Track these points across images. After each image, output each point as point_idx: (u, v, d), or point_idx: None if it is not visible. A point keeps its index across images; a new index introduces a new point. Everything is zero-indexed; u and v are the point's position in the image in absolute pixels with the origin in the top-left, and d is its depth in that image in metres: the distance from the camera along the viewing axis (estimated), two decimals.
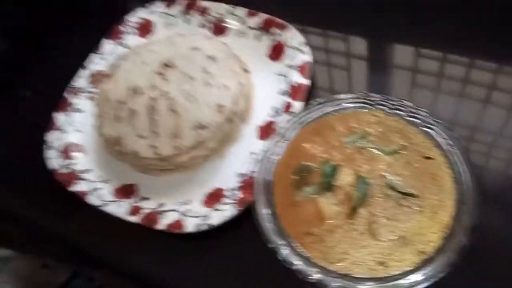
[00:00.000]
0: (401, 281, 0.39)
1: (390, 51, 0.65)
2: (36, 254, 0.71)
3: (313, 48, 0.62)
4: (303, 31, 0.64)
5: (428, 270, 0.39)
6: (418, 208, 0.43)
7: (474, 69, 0.59)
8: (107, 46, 0.69)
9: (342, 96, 0.50)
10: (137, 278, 0.57)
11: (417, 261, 0.41)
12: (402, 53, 0.64)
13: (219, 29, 0.68)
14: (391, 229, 0.42)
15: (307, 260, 0.42)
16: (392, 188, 0.44)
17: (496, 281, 0.45)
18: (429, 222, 0.42)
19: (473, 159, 0.44)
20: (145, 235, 0.54)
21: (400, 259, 0.41)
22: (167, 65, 0.58)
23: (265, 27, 0.65)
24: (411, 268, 0.40)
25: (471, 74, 0.59)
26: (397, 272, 0.40)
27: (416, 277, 0.39)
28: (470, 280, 0.43)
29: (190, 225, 0.52)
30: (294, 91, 0.59)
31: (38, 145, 0.63)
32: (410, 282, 0.39)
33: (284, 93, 0.59)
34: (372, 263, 0.41)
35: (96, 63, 0.68)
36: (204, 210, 0.53)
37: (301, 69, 0.60)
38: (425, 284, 0.39)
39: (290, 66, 0.61)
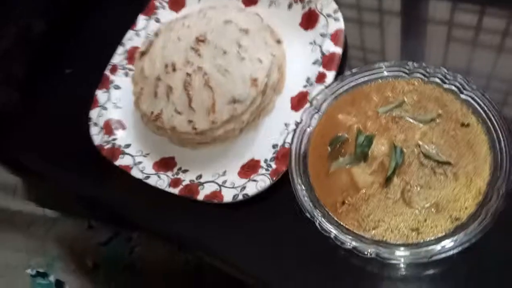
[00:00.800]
0: (434, 246, 0.40)
1: (424, 8, 0.63)
2: (83, 215, 0.76)
3: (345, 12, 0.61)
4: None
5: (461, 235, 0.40)
6: (453, 176, 0.43)
7: None
8: (142, 22, 0.70)
9: (376, 65, 0.50)
10: (177, 242, 0.60)
11: (451, 227, 0.41)
12: (437, 11, 0.62)
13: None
14: (425, 196, 0.43)
15: (342, 228, 0.43)
16: (427, 156, 0.45)
17: None
18: (464, 189, 0.43)
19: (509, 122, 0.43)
20: (184, 203, 0.57)
21: (433, 225, 0.42)
22: (200, 40, 0.59)
23: None
24: (444, 234, 0.41)
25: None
26: (430, 238, 0.41)
27: (449, 242, 0.40)
28: (503, 245, 0.44)
29: (227, 195, 0.54)
30: (326, 61, 0.58)
31: (81, 122, 0.67)
32: (443, 247, 0.40)
33: (316, 62, 0.59)
34: (406, 229, 0.42)
35: (132, 39, 0.70)
36: (240, 180, 0.55)
37: (334, 37, 0.59)
38: (458, 249, 0.39)
39: (323, 35, 0.60)
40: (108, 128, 0.64)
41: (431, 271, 0.45)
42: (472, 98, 0.45)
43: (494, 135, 0.43)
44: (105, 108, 0.66)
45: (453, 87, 0.47)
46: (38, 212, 0.70)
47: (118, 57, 0.69)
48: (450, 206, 0.42)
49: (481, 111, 0.45)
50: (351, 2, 0.67)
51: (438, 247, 0.40)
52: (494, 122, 0.44)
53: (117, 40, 0.71)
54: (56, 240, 0.73)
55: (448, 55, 0.58)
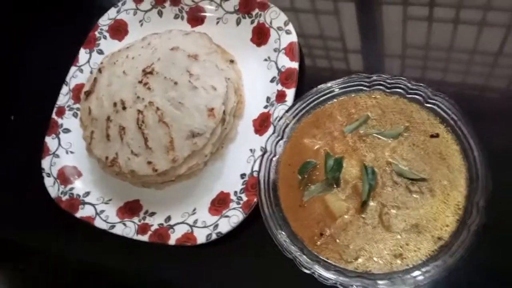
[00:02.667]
0: (419, 272, 0.38)
1: (379, 15, 0.61)
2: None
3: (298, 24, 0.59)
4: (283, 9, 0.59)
5: (446, 256, 0.38)
6: (429, 192, 0.42)
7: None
8: (84, 55, 0.66)
9: (336, 81, 0.47)
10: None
11: (435, 248, 0.40)
12: (391, 16, 0.60)
13: (195, 18, 0.64)
14: (403, 218, 0.41)
15: (323, 263, 0.41)
16: (400, 174, 0.43)
17: None
18: (442, 205, 0.41)
19: (479, 130, 0.42)
20: (152, 248, 0.54)
21: (416, 248, 0.40)
22: (148, 72, 0.55)
23: (244, 9, 0.61)
24: (429, 256, 0.39)
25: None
26: (415, 263, 0.39)
27: (436, 265, 0.38)
28: (488, 259, 0.43)
29: (200, 236, 0.51)
30: (284, 77, 0.56)
31: (31, 170, 0.62)
32: (429, 272, 0.38)
33: (274, 80, 0.57)
34: (389, 256, 0.40)
35: (76, 76, 0.65)
36: (212, 218, 0.52)
37: (288, 51, 0.57)
38: (446, 272, 0.38)
39: (276, 50, 0.58)
40: (63, 178, 0.60)
41: None
42: (438, 106, 0.44)
43: (465, 143, 0.42)
44: (57, 156, 0.61)
45: (417, 96, 0.45)
46: None
47: (64, 98, 0.64)
48: (430, 226, 0.40)
49: (448, 119, 0.43)
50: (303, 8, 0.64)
51: (425, 272, 0.38)
52: (464, 129, 0.42)
53: (59, 78, 0.66)
54: None
55: (407, 62, 0.56)
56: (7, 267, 0.61)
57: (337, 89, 0.47)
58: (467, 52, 0.54)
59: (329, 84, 0.48)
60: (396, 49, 0.56)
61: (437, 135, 0.43)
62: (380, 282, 0.39)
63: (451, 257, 0.38)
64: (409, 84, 0.45)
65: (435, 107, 0.44)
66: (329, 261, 0.41)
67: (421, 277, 0.38)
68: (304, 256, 0.41)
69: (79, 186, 0.59)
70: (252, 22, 0.60)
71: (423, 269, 0.38)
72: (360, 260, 0.41)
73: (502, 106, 0.50)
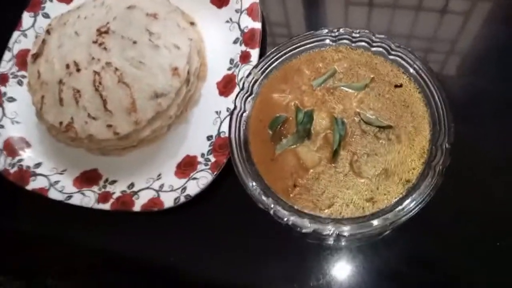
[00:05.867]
0: (391, 213, 0.40)
1: None
2: None
3: None
4: None
5: (414, 197, 0.40)
6: (395, 138, 0.43)
7: None
8: (29, 20, 0.60)
9: (300, 37, 0.47)
10: (120, 262, 0.54)
11: (403, 191, 0.41)
12: None
13: None
14: (373, 164, 0.42)
15: (298, 212, 0.41)
16: (368, 123, 0.44)
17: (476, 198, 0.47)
18: (408, 150, 0.42)
19: (440, 78, 0.44)
20: (118, 216, 0.51)
21: (386, 191, 0.41)
22: (103, 32, 0.52)
23: None
24: (398, 198, 0.41)
25: None
26: (385, 206, 0.41)
27: (404, 206, 0.40)
28: (452, 200, 0.45)
29: (168, 200, 0.49)
30: (247, 38, 0.55)
31: None
32: (399, 213, 0.40)
33: (237, 41, 0.56)
34: (361, 201, 0.41)
35: (20, 41, 0.60)
36: (179, 181, 0.50)
37: (250, 12, 0.56)
38: (415, 211, 0.39)
39: (238, 11, 0.57)
40: (10, 149, 0.55)
41: (389, 237, 0.45)
42: (401, 58, 0.45)
43: (427, 91, 0.44)
44: (1, 126, 0.56)
45: (381, 49, 0.46)
46: None
47: (6, 64, 0.59)
48: (398, 170, 0.42)
49: (410, 69, 0.45)
50: None
51: (395, 213, 0.39)
52: (425, 77, 0.44)
53: (1, 45, 0.60)
54: None
55: (370, 16, 0.58)
56: None
57: (304, 44, 0.47)
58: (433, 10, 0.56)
59: (295, 39, 0.47)
60: (360, 10, 0.58)
61: (400, 85, 0.45)
62: (353, 225, 0.40)
63: (419, 196, 0.40)
64: (373, 37, 0.46)
65: (398, 58, 0.45)
66: (303, 210, 0.41)
67: (393, 218, 0.39)
68: (279, 207, 0.41)
69: (28, 157, 0.55)
70: None
71: (393, 211, 0.40)
72: (334, 207, 0.41)
73: (457, 53, 0.53)
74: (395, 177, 0.42)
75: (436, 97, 0.43)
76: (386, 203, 0.41)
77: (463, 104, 0.49)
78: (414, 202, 0.39)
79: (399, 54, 0.45)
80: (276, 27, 0.60)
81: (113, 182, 0.52)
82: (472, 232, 0.46)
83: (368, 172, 0.42)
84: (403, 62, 0.45)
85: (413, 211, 0.39)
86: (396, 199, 0.41)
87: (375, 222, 0.39)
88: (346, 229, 0.39)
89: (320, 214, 0.41)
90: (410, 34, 0.56)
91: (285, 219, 0.40)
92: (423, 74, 0.44)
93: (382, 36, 0.46)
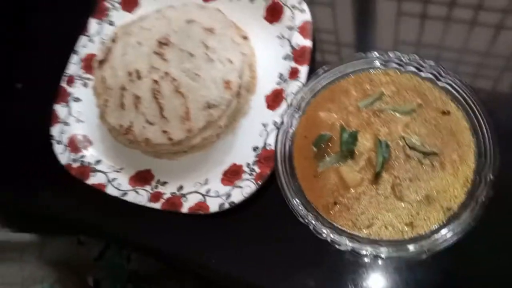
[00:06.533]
0: (430, 240, 0.41)
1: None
2: (70, 233, 0.71)
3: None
4: None
5: (454, 225, 0.41)
6: (439, 166, 0.44)
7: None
8: (95, 26, 0.65)
9: (351, 58, 0.49)
10: (166, 257, 0.58)
11: (443, 218, 0.42)
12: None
13: None
14: (415, 189, 0.43)
15: (337, 229, 0.43)
16: (412, 148, 0.45)
17: None
18: (452, 178, 0.43)
19: (489, 106, 0.44)
20: (168, 216, 0.55)
21: (426, 217, 0.42)
22: (164, 43, 0.56)
23: None
24: (438, 225, 0.42)
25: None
26: (425, 232, 0.41)
27: (444, 233, 0.41)
28: (495, 231, 0.45)
29: (213, 205, 0.52)
30: (297, 55, 0.57)
31: (42, 140, 0.62)
32: (438, 240, 0.40)
33: (287, 57, 0.58)
34: (400, 225, 0.42)
35: (86, 46, 0.65)
36: (224, 188, 0.53)
37: (302, 29, 0.58)
38: (453, 240, 0.40)
39: (290, 28, 0.58)
40: (73, 145, 0.60)
41: (427, 261, 0.46)
42: (450, 85, 0.46)
43: (475, 120, 0.44)
44: (67, 124, 0.62)
45: (430, 75, 0.47)
46: (26, 239, 0.64)
47: (73, 67, 0.64)
48: (440, 197, 0.42)
49: (459, 97, 0.45)
50: None
51: (434, 240, 0.40)
52: (474, 107, 0.44)
53: (69, 48, 0.66)
54: (51, 264, 0.68)
55: (420, 40, 0.58)
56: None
57: (353, 66, 0.49)
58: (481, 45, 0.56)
59: (344, 60, 0.49)
60: (411, 33, 0.58)
61: (448, 113, 0.45)
62: (391, 248, 0.41)
63: (460, 225, 0.40)
64: (423, 63, 0.47)
65: (447, 85, 0.46)
66: (342, 228, 0.43)
67: (432, 244, 0.40)
68: (319, 223, 0.43)
69: (90, 154, 0.60)
70: (266, 0, 0.61)
71: (433, 237, 0.41)
72: (372, 227, 0.43)
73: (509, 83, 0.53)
74: (437, 204, 0.42)
75: (484, 128, 0.43)
76: (425, 229, 0.42)
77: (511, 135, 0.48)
78: (453, 231, 0.40)
79: (448, 81, 0.46)
80: (326, 45, 0.62)
81: (164, 183, 0.56)
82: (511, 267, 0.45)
83: (409, 196, 0.43)
84: (451, 89, 0.45)
85: (451, 240, 0.40)
86: (436, 226, 0.42)
87: (411, 248, 0.40)
88: (383, 251, 0.41)
89: (359, 234, 0.43)
90: (459, 59, 0.56)
91: (324, 235, 0.42)
92: (471, 103, 0.44)
93: (432, 62, 0.46)
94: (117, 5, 0.66)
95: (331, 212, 0.44)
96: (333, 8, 0.64)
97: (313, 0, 0.62)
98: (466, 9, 0.57)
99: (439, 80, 0.46)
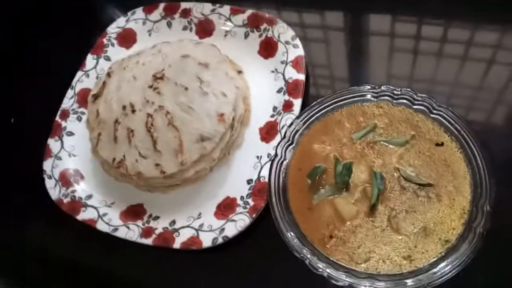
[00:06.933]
0: (429, 273, 0.40)
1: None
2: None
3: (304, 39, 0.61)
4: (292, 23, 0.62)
5: (453, 258, 0.40)
6: (435, 197, 0.43)
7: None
8: (91, 61, 0.66)
9: (343, 91, 0.49)
10: None
11: (442, 250, 0.41)
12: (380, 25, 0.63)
13: (204, 31, 0.66)
14: (412, 221, 0.43)
15: (334, 264, 0.42)
16: (408, 179, 0.44)
17: None
18: (448, 209, 0.42)
19: (482, 138, 0.44)
20: (159, 251, 0.53)
21: (424, 250, 0.41)
22: (158, 78, 0.56)
23: (252, 24, 0.63)
24: (436, 258, 0.40)
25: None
26: (423, 265, 0.40)
27: (443, 267, 0.40)
28: (494, 263, 0.44)
29: (206, 240, 0.51)
30: (291, 88, 0.58)
31: (33, 174, 0.61)
32: (438, 273, 0.39)
33: (281, 90, 0.58)
34: (398, 258, 0.41)
35: (82, 81, 0.66)
36: (218, 222, 0.52)
37: (295, 64, 0.59)
38: (453, 273, 0.39)
39: (283, 62, 0.60)
40: (64, 180, 0.59)
41: None
42: (443, 117, 0.46)
43: (469, 151, 0.44)
44: (59, 158, 0.61)
45: (422, 107, 0.47)
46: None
47: (68, 101, 0.65)
48: (438, 229, 0.42)
49: (452, 129, 0.45)
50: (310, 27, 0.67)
51: (433, 273, 0.39)
52: (467, 138, 0.44)
53: (64, 82, 0.66)
54: None
55: (412, 71, 0.59)
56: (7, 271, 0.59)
57: (346, 98, 0.49)
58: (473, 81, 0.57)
59: (337, 93, 0.49)
60: (404, 67, 0.59)
61: (442, 144, 0.45)
62: (389, 283, 0.40)
63: (459, 258, 0.39)
64: (415, 96, 0.47)
65: (439, 117, 0.46)
66: (339, 262, 0.42)
67: (431, 278, 0.39)
68: (315, 257, 0.42)
69: (81, 189, 0.59)
70: (260, 36, 0.62)
71: (432, 271, 0.39)
72: (370, 261, 0.42)
73: (502, 115, 0.53)
74: (434, 236, 0.42)
75: (478, 159, 0.43)
76: (424, 262, 0.41)
77: (506, 166, 0.48)
78: (452, 264, 0.39)
79: (441, 113, 0.46)
80: (319, 78, 0.63)
81: (156, 218, 0.55)
82: None
83: (406, 228, 0.42)
84: (444, 121, 0.46)
85: (450, 274, 0.39)
86: (434, 259, 0.41)
87: (410, 282, 0.39)
88: (381, 286, 0.40)
89: (356, 268, 0.41)
90: (451, 93, 0.57)
91: (321, 270, 0.41)
92: (465, 134, 0.44)
93: (424, 95, 0.47)
94: (114, 41, 0.68)
95: (327, 246, 0.43)
96: (327, 44, 0.65)
97: (306, 36, 0.64)
98: (455, 44, 0.59)
99: (431, 112, 0.47)
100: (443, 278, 0.39)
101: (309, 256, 0.42)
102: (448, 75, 0.57)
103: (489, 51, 0.57)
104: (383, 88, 0.48)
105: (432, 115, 0.46)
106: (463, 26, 0.60)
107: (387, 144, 0.47)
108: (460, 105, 0.55)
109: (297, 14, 0.67)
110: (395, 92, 0.48)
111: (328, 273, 0.41)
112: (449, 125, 0.46)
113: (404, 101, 0.48)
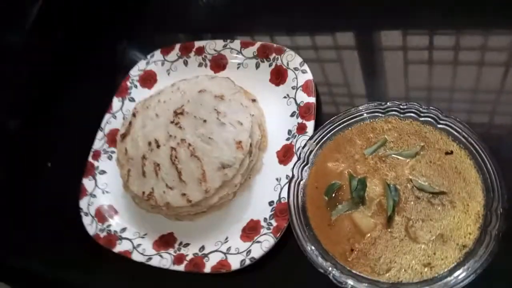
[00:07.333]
0: (449, 279, 0.41)
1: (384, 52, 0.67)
2: None
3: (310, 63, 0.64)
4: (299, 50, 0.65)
5: (472, 262, 0.41)
6: (449, 204, 0.45)
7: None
8: (117, 103, 0.72)
9: (353, 110, 0.52)
10: None
11: (460, 256, 0.42)
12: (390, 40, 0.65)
13: (217, 65, 0.70)
14: (428, 229, 0.44)
15: (356, 276, 0.43)
16: (421, 189, 0.46)
17: None
18: (463, 215, 0.44)
19: (490, 143, 0.45)
20: (188, 277, 0.56)
21: (443, 256, 0.42)
22: (179, 113, 0.60)
23: (262, 55, 0.67)
24: (456, 263, 0.42)
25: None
26: (443, 271, 0.41)
27: (462, 271, 0.41)
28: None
29: (234, 263, 0.54)
30: (303, 111, 0.61)
31: (72, 213, 0.66)
32: (458, 278, 0.40)
33: (294, 114, 0.61)
34: (418, 266, 0.43)
35: (110, 122, 0.71)
36: (244, 244, 0.55)
37: (305, 88, 0.62)
38: (473, 277, 0.40)
39: (294, 87, 0.63)
40: (100, 216, 0.64)
41: None
42: (449, 126, 0.48)
43: (478, 157, 0.45)
44: (94, 196, 0.66)
45: (429, 119, 0.49)
46: None
47: (99, 142, 0.70)
48: (454, 235, 0.43)
49: (460, 137, 0.47)
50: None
51: (453, 278, 0.40)
52: (475, 145, 0.46)
53: (93, 125, 0.72)
54: None
55: (412, 85, 0.61)
56: None
57: (355, 116, 0.52)
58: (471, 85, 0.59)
59: (347, 112, 0.52)
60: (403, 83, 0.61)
61: (451, 152, 0.47)
62: None
63: (477, 262, 0.40)
64: (420, 108, 0.49)
65: (447, 127, 0.48)
66: (361, 274, 0.44)
67: (451, 283, 0.40)
68: (337, 271, 0.44)
69: (115, 223, 0.63)
70: (270, 65, 0.66)
71: (452, 276, 0.41)
72: (391, 271, 0.43)
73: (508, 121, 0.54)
74: (452, 242, 0.43)
75: (488, 164, 0.44)
76: (444, 268, 0.42)
77: None
78: (471, 268, 0.40)
79: (448, 123, 0.48)
80: (330, 99, 0.66)
81: (187, 245, 0.58)
82: None
83: (424, 237, 0.44)
84: (451, 130, 0.47)
85: (469, 278, 0.40)
86: (454, 264, 0.42)
87: (437, 285, 0.40)
88: None
89: (378, 279, 0.43)
90: (452, 99, 0.58)
91: (344, 283, 0.43)
92: (472, 142, 0.46)
93: (430, 107, 0.49)
94: (137, 83, 0.73)
95: (349, 259, 0.45)
96: (332, 63, 0.68)
97: (318, 57, 0.67)
98: (445, 51, 0.60)
99: (438, 123, 0.48)
100: (460, 284, 0.40)
101: (331, 269, 0.44)
102: (461, 83, 0.58)
103: (491, 55, 0.59)
104: (389, 104, 0.50)
105: (439, 126, 0.48)
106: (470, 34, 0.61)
107: (398, 157, 0.49)
108: (463, 109, 0.56)
109: (308, 38, 0.71)
110: (401, 106, 0.50)
111: (352, 285, 0.42)
112: (456, 133, 0.47)
113: (411, 114, 0.50)
